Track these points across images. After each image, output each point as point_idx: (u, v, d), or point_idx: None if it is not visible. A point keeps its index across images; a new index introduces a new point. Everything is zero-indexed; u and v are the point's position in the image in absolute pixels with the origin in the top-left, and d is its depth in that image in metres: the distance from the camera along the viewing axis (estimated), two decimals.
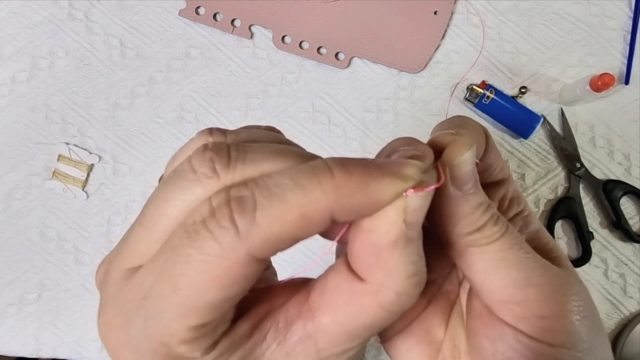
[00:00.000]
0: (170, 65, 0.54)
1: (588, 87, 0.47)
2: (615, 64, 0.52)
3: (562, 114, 0.51)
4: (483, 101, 0.50)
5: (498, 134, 0.52)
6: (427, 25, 0.52)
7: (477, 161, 0.19)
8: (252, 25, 0.53)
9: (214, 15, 0.53)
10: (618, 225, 0.49)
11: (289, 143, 0.18)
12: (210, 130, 0.18)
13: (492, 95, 0.49)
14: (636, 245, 0.51)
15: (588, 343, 0.17)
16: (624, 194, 0.50)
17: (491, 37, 0.52)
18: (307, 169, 0.14)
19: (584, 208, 0.51)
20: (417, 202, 0.15)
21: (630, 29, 0.52)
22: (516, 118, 0.50)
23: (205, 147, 0.15)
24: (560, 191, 0.52)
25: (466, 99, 0.51)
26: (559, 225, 0.51)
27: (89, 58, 0.54)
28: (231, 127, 0.18)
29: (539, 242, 0.20)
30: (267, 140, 0.17)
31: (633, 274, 0.51)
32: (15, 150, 0.54)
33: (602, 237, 0.51)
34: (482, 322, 0.19)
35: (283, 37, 0.53)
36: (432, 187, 0.15)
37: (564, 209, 0.50)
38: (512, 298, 0.17)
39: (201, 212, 0.14)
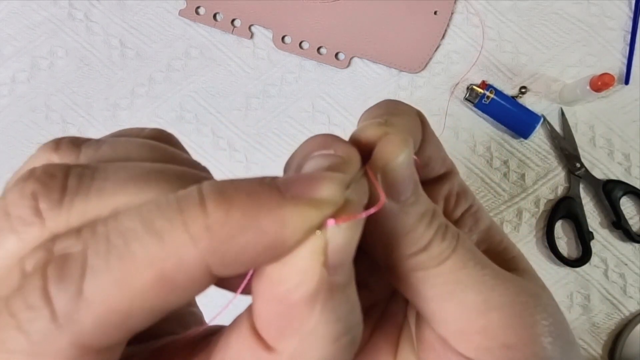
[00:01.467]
0: (170, 65, 0.54)
1: (588, 87, 0.47)
2: (615, 64, 0.52)
3: (562, 114, 0.51)
4: (483, 101, 0.50)
5: (498, 134, 0.52)
6: (427, 25, 0.52)
7: (415, 157, 0.14)
8: (252, 25, 0.53)
9: (214, 15, 0.53)
10: (618, 225, 0.49)
11: (173, 159, 0.13)
12: (57, 143, 0.12)
13: (492, 95, 0.49)
14: (636, 245, 0.51)
15: None
16: (624, 194, 0.50)
17: (491, 37, 0.52)
18: (169, 204, 0.10)
19: (584, 208, 0.51)
20: (342, 237, 0.10)
21: (630, 29, 0.52)
22: (516, 118, 0.50)
23: (30, 175, 0.11)
24: (560, 191, 0.52)
25: (466, 99, 0.51)
26: (559, 225, 0.51)
27: (89, 58, 0.54)
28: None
29: (491, 242, 0.17)
30: (139, 156, 0.12)
31: (633, 274, 0.51)
32: (15, 150, 0.54)
33: (602, 237, 0.51)
34: (436, 355, 0.15)
35: (283, 37, 0.53)
36: (364, 214, 0.11)
37: (564, 209, 0.50)
38: (470, 327, 0.14)
39: (8, 283, 0.10)
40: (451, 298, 0.14)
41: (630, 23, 0.52)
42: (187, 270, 0.10)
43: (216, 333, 0.13)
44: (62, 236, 0.10)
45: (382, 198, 0.12)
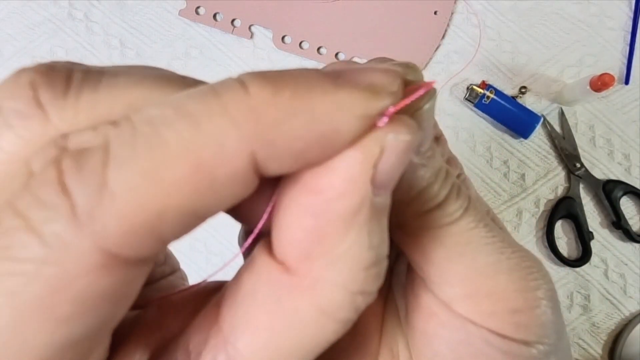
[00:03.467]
0: (170, 65, 0.53)
1: (588, 87, 0.47)
2: (615, 64, 0.52)
3: (562, 114, 0.51)
4: (483, 101, 0.50)
5: (498, 134, 0.52)
6: (427, 25, 0.52)
7: None
8: (252, 25, 0.53)
9: (214, 15, 0.53)
10: (618, 225, 0.49)
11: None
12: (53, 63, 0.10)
13: (492, 95, 0.49)
14: (636, 245, 0.51)
15: (558, 333, 0.14)
16: (624, 194, 0.50)
17: (491, 37, 0.52)
18: (203, 90, 0.09)
19: (584, 208, 0.51)
20: (401, 143, 0.09)
21: (630, 29, 0.52)
22: (516, 118, 0.50)
23: (24, 68, 0.09)
24: (560, 191, 0.52)
25: (466, 99, 0.51)
26: (559, 225, 0.51)
27: (89, 58, 0.54)
28: None
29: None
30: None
31: (633, 274, 0.51)
32: None
33: (602, 237, 0.51)
34: (437, 322, 0.14)
35: (283, 37, 0.53)
36: (416, 96, 0.10)
37: (564, 209, 0.50)
38: (479, 290, 0.13)
39: (10, 188, 0.08)
40: (461, 259, 0.13)
41: (630, 23, 0.52)
42: (229, 160, 0.08)
43: (221, 288, 0.12)
44: (75, 132, 0.08)
45: (433, 83, 0.11)
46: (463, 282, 0.13)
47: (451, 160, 0.17)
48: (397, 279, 0.16)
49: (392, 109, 0.09)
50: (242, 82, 0.09)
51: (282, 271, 0.10)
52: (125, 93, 0.09)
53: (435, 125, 0.16)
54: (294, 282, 0.10)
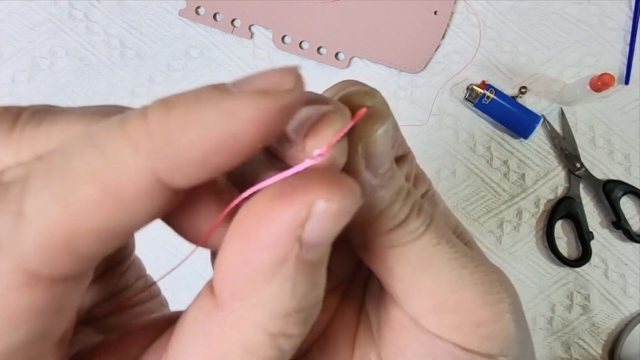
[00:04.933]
0: (170, 65, 0.54)
1: (588, 87, 0.47)
2: (615, 64, 0.52)
3: (562, 114, 0.51)
4: (483, 101, 0.50)
5: (498, 134, 0.52)
6: (427, 25, 0.52)
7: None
8: (252, 25, 0.53)
9: (214, 15, 0.53)
10: (618, 225, 0.49)
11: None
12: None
13: (492, 95, 0.49)
14: (636, 245, 0.51)
15: (521, 344, 0.14)
16: (624, 194, 0.50)
17: (491, 37, 0.52)
18: (113, 120, 0.09)
19: (584, 208, 0.51)
20: (332, 210, 0.09)
21: (630, 29, 0.52)
22: (516, 118, 0.50)
23: None
24: (560, 191, 0.52)
25: (466, 99, 0.51)
26: (559, 225, 0.51)
27: (89, 58, 0.54)
28: None
29: (449, 227, 0.16)
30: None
31: (633, 274, 0.51)
32: None
33: (602, 237, 0.51)
34: (406, 336, 0.14)
35: (283, 37, 0.53)
36: (343, 132, 0.10)
37: (564, 209, 0.50)
38: (444, 304, 0.14)
39: None
40: (425, 274, 0.14)
41: (630, 23, 0.52)
42: (133, 181, 0.09)
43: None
44: (9, 167, 0.10)
45: (363, 111, 0.12)
46: (428, 297, 0.14)
47: (419, 176, 0.17)
48: (370, 294, 0.17)
49: (325, 148, 0.10)
50: (144, 108, 0.09)
51: (214, 306, 0.10)
52: (63, 129, 0.10)
53: (403, 142, 0.16)
54: (221, 317, 0.10)
